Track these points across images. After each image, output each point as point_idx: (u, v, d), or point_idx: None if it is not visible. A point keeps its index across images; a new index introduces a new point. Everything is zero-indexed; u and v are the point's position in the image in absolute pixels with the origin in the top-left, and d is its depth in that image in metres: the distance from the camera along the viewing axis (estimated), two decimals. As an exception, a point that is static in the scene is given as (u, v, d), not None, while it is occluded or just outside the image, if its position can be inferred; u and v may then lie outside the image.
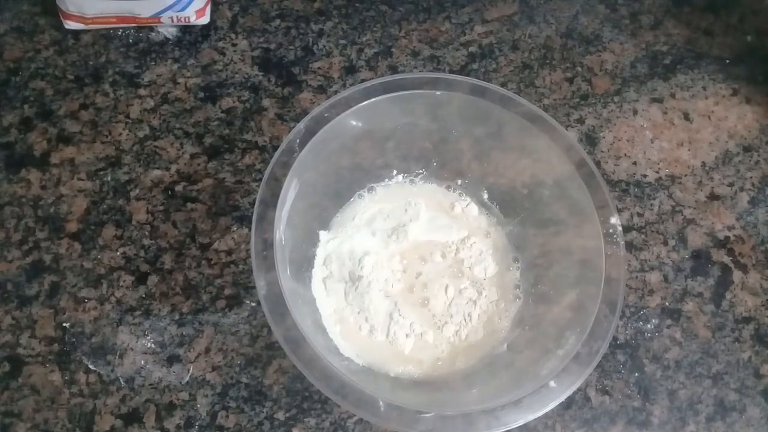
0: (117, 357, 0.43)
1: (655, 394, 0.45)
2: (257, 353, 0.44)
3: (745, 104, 0.57)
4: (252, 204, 0.45)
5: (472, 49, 0.56)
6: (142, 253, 0.46)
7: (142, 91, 0.52)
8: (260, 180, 0.38)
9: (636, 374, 0.46)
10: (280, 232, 0.38)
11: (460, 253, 0.45)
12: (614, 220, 0.39)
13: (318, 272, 0.44)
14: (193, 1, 0.52)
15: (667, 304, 0.48)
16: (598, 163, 0.52)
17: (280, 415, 0.42)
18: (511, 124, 0.42)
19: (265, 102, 0.52)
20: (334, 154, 0.43)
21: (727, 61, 0.59)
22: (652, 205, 0.51)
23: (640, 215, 0.51)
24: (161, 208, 0.48)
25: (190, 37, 0.54)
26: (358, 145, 0.44)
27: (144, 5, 0.51)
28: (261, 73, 0.53)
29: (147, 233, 0.47)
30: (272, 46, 0.55)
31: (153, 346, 0.43)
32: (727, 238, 0.51)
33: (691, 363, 0.46)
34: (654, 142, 0.54)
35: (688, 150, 0.54)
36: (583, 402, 0.44)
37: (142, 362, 0.43)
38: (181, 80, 0.52)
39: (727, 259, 0.50)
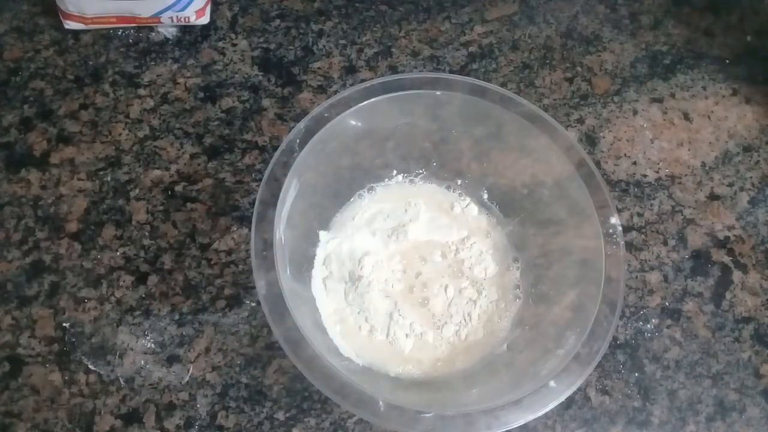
0: (117, 357, 0.43)
1: (655, 394, 0.45)
2: (257, 353, 0.44)
3: (745, 104, 0.57)
4: (252, 204, 0.45)
5: (472, 49, 0.56)
6: (142, 253, 0.46)
7: (142, 91, 0.52)
8: (260, 180, 0.38)
9: (636, 374, 0.46)
10: (280, 232, 0.38)
11: (460, 253, 0.45)
12: (614, 220, 0.39)
13: (318, 272, 0.44)
14: (193, 1, 0.52)
15: (667, 304, 0.48)
16: (598, 163, 0.52)
17: (280, 415, 0.42)
18: (511, 124, 0.42)
19: (265, 102, 0.52)
20: (334, 154, 0.43)
21: (727, 61, 0.59)
22: (652, 205, 0.51)
23: (640, 215, 0.51)
24: (161, 208, 0.48)
25: (190, 37, 0.54)
26: (358, 145, 0.44)
27: (144, 5, 0.51)
28: (261, 73, 0.53)
29: (147, 233, 0.47)
30: (272, 46, 0.55)
31: (153, 346, 0.43)
32: (727, 238, 0.51)
33: (691, 363, 0.46)
34: (654, 142, 0.54)
35: (688, 150, 0.54)
36: (583, 402, 0.44)
37: (142, 362, 0.43)
38: (181, 80, 0.52)
39: (727, 259, 0.50)
